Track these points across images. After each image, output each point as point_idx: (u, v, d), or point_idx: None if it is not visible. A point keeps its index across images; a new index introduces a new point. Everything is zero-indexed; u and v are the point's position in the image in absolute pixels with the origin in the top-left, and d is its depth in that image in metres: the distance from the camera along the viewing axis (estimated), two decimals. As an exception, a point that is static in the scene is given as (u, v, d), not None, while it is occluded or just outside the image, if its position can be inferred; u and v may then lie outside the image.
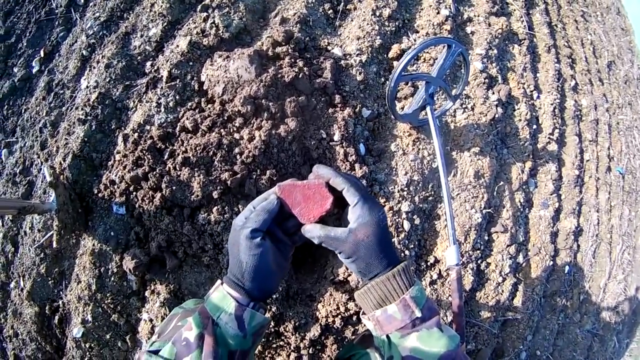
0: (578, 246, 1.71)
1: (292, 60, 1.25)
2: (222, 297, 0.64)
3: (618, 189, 1.90)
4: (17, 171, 1.35)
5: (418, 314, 0.63)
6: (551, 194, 1.68)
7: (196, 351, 0.60)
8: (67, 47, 1.48)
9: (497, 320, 1.46)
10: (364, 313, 0.70)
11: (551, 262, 1.58)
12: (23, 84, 1.47)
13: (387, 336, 0.65)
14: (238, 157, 1.12)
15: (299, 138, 1.19)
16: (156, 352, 0.63)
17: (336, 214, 0.71)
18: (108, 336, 1.15)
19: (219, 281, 0.69)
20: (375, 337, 0.69)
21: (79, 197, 1.20)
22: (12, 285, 1.27)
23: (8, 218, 1.32)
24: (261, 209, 0.66)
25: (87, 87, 1.35)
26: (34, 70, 1.48)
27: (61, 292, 1.21)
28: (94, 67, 1.38)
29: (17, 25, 1.53)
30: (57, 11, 1.54)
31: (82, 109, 1.29)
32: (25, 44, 1.51)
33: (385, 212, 0.69)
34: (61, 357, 1.21)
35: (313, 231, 0.67)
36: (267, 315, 0.73)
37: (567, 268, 1.64)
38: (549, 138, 1.77)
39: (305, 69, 1.25)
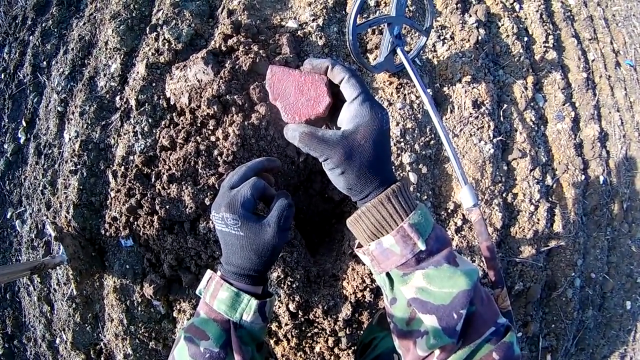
0: (607, 152, 1.55)
1: (247, 47, 1.22)
2: (235, 295, 0.59)
3: (633, 82, 1.72)
4: (33, 236, 1.41)
5: (421, 246, 0.50)
6: (564, 104, 1.54)
7: None
8: (44, 109, 1.53)
9: (540, 253, 1.34)
10: (359, 246, 0.58)
11: (583, 177, 1.44)
12: (16, 157, 1.53)
13: (388, 274, 0.54)
14: (219, 158, 1.10)
15: (274, 121, 1.15)
16: None
17: (326, 119, 0.57)
18: (152, 365, 1.17)
19: (215, 276, 0.61)
20: (375, 276, 0.58)
21: (89, 242, 1.23)
22: (58, 341, 1.33)
23: (38, 281, 1.38)
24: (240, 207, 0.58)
25: (70, 139, 1.38)
26: (22, 141, 1.53)
27: (100, 334, 1.24)
28: (71, 119, 1.41)
29: (-6, 105, 1.61)
30: (25, 80, 1.59)
31: (70, 161, 1.32)
32: (7, 120, 1.57)
33: (389, 115, 0.54)
34: (119, 396, 1.25)
35: (296, 129, 0.52)
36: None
37: (601, 178, 1.48)
38: (544, 47, 1.62)
39: (261, 52, 1.21)
